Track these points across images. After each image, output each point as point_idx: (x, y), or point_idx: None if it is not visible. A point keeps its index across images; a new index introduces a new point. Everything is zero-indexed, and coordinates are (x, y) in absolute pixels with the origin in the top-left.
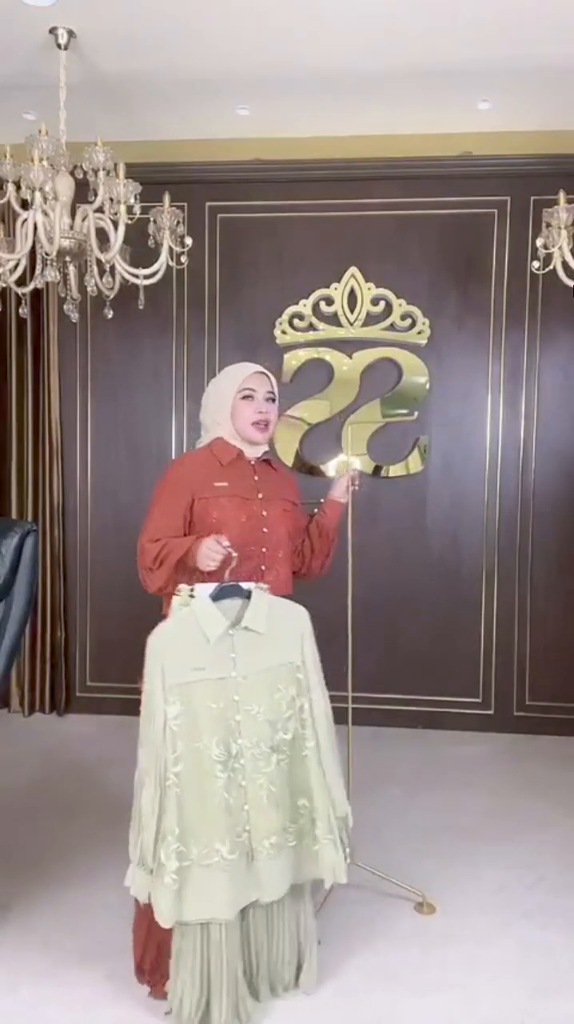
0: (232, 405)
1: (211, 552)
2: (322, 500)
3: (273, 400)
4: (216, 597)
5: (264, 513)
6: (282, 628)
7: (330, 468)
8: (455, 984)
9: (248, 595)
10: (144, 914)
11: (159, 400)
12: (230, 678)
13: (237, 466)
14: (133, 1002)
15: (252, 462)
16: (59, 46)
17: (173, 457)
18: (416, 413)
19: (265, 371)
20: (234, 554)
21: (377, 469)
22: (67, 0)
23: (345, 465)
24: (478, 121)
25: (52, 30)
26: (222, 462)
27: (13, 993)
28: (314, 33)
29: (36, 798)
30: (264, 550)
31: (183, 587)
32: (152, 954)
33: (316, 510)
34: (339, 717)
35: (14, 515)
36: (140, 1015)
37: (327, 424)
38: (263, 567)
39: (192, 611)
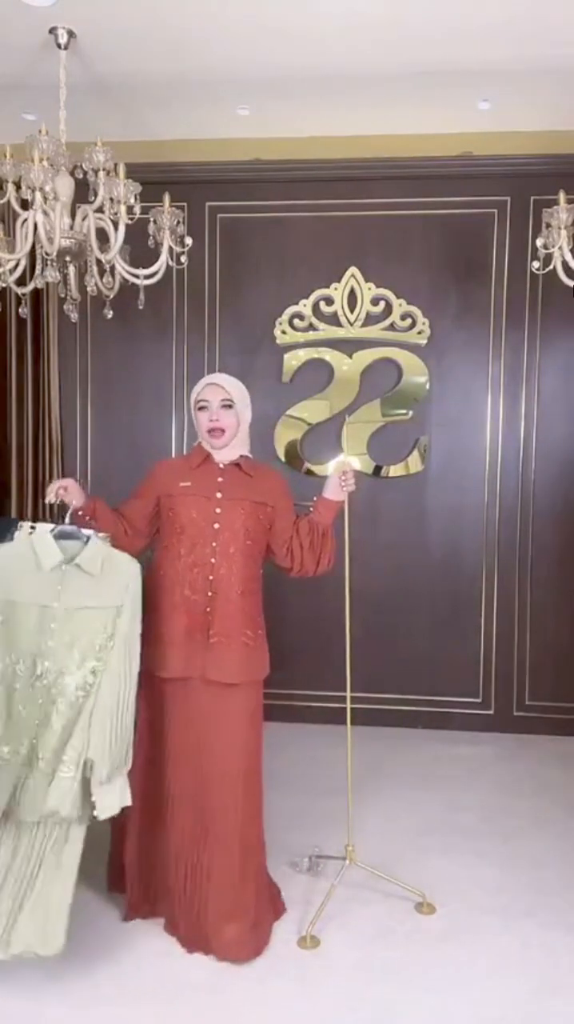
0: (194, 416)
1: (51, 485)
2: (315, 498)
3: (230, 406)
4: (56, 536)
5: (218, 511)
6: (113, 576)
7: (329, 468)
8: (456, 983)
9: (86, 541)
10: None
11: (159, 399)
12: (51, 608)
13: (203, 468)
14: (130, 998)
15: (221, 465)
16: (59, 46)
17: (172, 455)
18: (411, 412)
19: (216, 382)
20: (69, 499)
21: (377, 469)
22: (67, 0)
23: (342, 465)
24: (478, 121)
25: (52, 30)
26: (191, 465)
27: (10, 988)
28: (314, 33)
29: None
30: (214, 544)
31: (25, 523)
32: (116, 865)
33: (311, 508)
34: (339, 717)
35: (14, 515)
36: (138, 1010)
37: (327, 424)
38: (213, 560)
39: (31, 542)
